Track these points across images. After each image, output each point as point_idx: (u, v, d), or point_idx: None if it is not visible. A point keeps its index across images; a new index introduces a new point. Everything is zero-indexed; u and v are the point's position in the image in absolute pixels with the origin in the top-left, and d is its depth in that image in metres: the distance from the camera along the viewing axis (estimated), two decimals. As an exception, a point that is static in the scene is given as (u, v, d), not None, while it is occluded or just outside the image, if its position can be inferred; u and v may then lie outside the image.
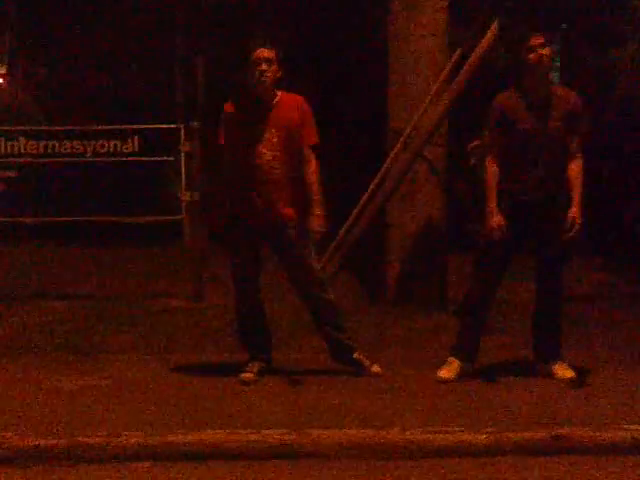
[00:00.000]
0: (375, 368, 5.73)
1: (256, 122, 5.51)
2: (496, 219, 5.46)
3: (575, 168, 5.52)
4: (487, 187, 5.55)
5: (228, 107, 5.61)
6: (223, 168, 5.65)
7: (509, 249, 5.55)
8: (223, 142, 5.59)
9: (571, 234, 5.43)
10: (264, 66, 5.42)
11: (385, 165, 7.81)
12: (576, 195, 5.49)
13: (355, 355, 5.73)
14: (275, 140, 5.48)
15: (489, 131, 5.59)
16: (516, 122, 5.46)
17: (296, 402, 5.14)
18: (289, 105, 5.55)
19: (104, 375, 5.77)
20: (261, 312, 5.76)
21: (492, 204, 5.50)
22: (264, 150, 5.47)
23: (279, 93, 5.56)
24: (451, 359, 5.65)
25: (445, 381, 5.54)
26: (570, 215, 5.44)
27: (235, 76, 5.71)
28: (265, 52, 5.44)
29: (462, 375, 5.58)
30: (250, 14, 11.96)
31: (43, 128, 8.78)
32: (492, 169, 5.53)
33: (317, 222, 5.54)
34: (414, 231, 7.88)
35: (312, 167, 5.58)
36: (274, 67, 5.44)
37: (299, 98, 5.61)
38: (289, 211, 5.54)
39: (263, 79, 5.44)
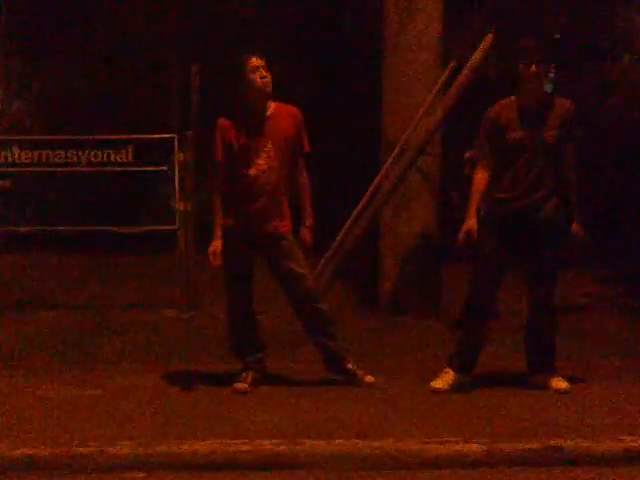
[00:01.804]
0: (368, 378, 5.73)
1: (253, 134, 5.52)
2: (468, 223, 5.51)
3: (571, 181, 5.54)
4: (471, 192, 5.59)
5: (223, 120, 5.61)
6: (217, 181, 5.64)
7: (502, 260, 5.55)
8: (219, 156, 5.59)
9: (579, 248, 5.47)
10: (264, 72, 5.45)
11: (379, 175, 7.82)
12: (574, 210, 5.51)
13: (348, 365, 5.73)
14: (271, 151, 5.50)
15: (480, 140, 5.61)
16: (507, 131, 5.46)
17: (289, 412, 5.13)
18: (283, 115, 5.57)
19: (98, 385, 5.75)
20: (254, 322, 5.76)
21: (471, 208, 5.55)
22: (260, 161, 5.49)
23: (272, 104, 5.58)
24: (447, 369, 5.64)
25: (438, 391, 5.53)
26: (573, 231, 5.47)
27: (228, 89, 5.70)
28: (259, 60, 5.48)
29: (457, 386, 5.58)
30: (245, 23, 11.97)
31: (37, 137, 8.76)
32: (479, 176, 5.57)
33: (308, 234, 5.63)
34: (408, 240, 7.89)
35: (305, 178, 5.69)
36: (270, 74, 5.48)
37: (292, 108, 5.64)
38: (284, 222, 5.57)
39: (266, 84, 5.46)
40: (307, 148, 5.68)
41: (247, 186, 5.50)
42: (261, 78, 5.45)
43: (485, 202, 5.57)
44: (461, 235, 5.54)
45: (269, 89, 5.50)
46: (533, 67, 5.39)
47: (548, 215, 5.48)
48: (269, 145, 5.50)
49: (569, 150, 5.52)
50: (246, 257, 5.62)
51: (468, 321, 5.65)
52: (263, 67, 5.47)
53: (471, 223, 5.53)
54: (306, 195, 5.68)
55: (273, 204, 5.53)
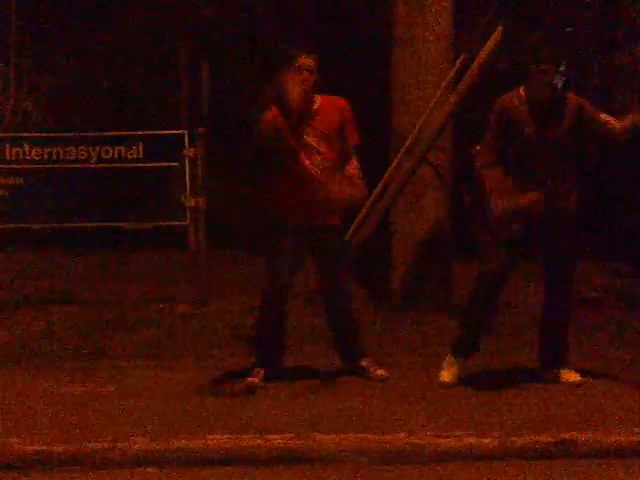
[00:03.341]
0: (380, 372, 5.73)
1: (300, 129, 5.48)
2: (528, 195, 5.32)
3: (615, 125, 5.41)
4: (496, 185, 5.39)
5: (269, 115, 5.41)
6: (265, 175, 5.60)
7: (514, 255, 5.51)
8: (263, 152, 5.54)
9: None
10: (306, 74, 5.41)
11: (389, 170, 7.81)
12: None
13: (363, 363, 5.75)
14: (322, 144, 5.49)
15: (489, 134, 5.51)
16: (520, 127, 5.38)
17: (301, 407, 5.13)
18: (330, 109, 5.55)
19: (109, 380, 5.77)
20: (284, 320, 5.75)
21: (506, 190, 5.35)
22: (312, 154, 5.48)
23: (319, 98, 5.57)
24: (449, 358, 5.63)
25: (447, 385, 5.53)
26: None
27: (268, 83, 5.60)
28: (309, 60, 5.43)
29: (461, 375, 5.57)
30: (253, 19, 11.97)
31: (48, 134, 8.76)
32: (495, 173, 5.43)
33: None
34: (419, 235, 7.88)
35: (354, 163, 5.64)
36: (314, 75, 5.44)
37: (339, 100, 5.63)
38: (335, 215, 5.60)
39: (304, 87, 5.40)
40: (355, 140, 5.64)
41: (297, 180, 5.46)
42: (303, 82, 5.37)
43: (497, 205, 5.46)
44: (535, 205, 5.29)
45: (307, 90, 5.41)
46: (542, 65, 5.31)
47: (566, 212, 5.45)
48: (317, 140, 5.49)
49: (598, 115, 5.42)
50: (294, 252, 5.55)
51: (471, 311, 5.60)
52: (309, 68, 5.40)
53: (531, 195, 5.30)
54: (355, 172, 5.61)
55: (323, 197, 5.49)
